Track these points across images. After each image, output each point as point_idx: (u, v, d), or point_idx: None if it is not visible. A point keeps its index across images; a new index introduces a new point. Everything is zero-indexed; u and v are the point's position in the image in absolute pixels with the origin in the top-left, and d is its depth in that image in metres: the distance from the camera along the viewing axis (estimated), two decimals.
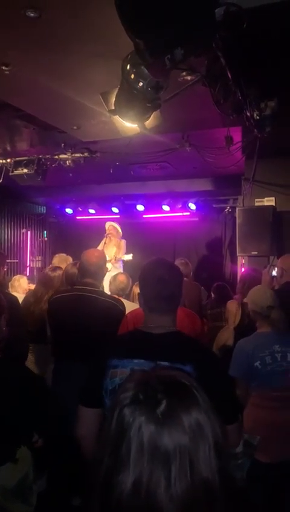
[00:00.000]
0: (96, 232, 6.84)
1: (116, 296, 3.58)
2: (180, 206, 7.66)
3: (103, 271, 3.09)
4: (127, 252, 6.36)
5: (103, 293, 3.11)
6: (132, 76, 2.32)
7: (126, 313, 2.93)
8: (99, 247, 6.12)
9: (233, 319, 4.10)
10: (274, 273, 3.59)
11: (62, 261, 4.60)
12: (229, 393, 1.75)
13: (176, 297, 1.77)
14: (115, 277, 4.22)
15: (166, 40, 1.96)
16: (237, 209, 5.87)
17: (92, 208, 8.26)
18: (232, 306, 4.10)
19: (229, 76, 2.81)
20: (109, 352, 1.70)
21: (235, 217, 5.87)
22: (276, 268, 3.57)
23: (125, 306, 3.07)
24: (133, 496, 0.69)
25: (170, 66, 2.06)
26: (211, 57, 2.60)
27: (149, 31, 1.94)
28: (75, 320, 2.82)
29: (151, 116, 2.72)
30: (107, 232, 6.44)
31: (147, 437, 0.71)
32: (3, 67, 3.16)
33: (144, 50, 1.98)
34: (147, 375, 0.80)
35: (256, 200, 5.88)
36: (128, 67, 2.33)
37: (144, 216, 8.20)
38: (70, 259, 4.53)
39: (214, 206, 7.89)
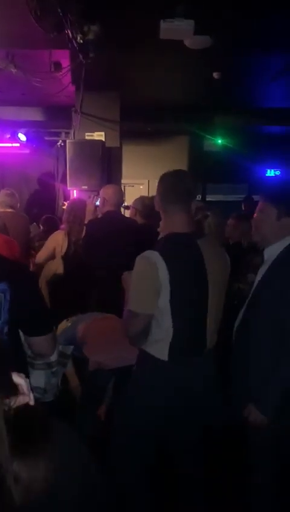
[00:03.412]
0: None
1: None
2: (9, 135, 7.17)
3: None
4: None
5: None
6: None
7: None
8: None
9: (60, 249, 4.16)
10: (97, 203, 3.72)
11: None
12: (42, 308, 1.86)
13: None
14: None
15: None
16: (67, 141, 5.78)
17: None
18: (58, 236, 4.14)
19: None
20: None
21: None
22: (99, 198, 3.69)
23: None
24: None
25: None
26: None
27: None
28: None
29: None
30: None
31: None
32: None
33: None
34: None
35: (86, 134, 5.87)
36: None
37: None
38: None
39: (46, 138, 7.60)
